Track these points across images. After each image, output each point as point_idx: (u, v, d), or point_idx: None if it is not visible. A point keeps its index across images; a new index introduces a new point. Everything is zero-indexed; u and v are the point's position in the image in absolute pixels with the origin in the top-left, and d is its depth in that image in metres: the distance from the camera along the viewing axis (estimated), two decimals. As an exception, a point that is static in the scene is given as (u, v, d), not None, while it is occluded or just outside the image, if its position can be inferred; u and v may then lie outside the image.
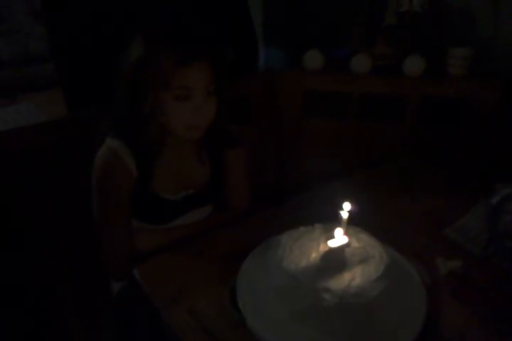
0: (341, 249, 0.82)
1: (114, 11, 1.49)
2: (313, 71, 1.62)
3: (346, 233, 0.84)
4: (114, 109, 1.06)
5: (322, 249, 0.84)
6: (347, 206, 0.83)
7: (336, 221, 0.84)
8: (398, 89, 1.57)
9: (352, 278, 0.79)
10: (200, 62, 0.98)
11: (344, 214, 0.83)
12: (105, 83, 1.09)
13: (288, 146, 1.70)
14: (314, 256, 0.83)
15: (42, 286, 1.36)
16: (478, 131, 1.51)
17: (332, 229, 0.85)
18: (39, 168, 1.28)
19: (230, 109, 1.14)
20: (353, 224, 0.87)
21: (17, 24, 3.32)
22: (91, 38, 1.52)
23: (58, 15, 1.50)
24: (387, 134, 1.60)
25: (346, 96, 1.60)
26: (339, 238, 0.82)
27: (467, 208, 1.13)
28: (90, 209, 1.10)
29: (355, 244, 0.85)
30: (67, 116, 1.47)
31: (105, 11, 1.49)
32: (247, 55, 1.89)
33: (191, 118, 1.02)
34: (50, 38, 1.53)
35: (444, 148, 1.50)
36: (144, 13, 1.48)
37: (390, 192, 1.22)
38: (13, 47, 3.21)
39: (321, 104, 1.70)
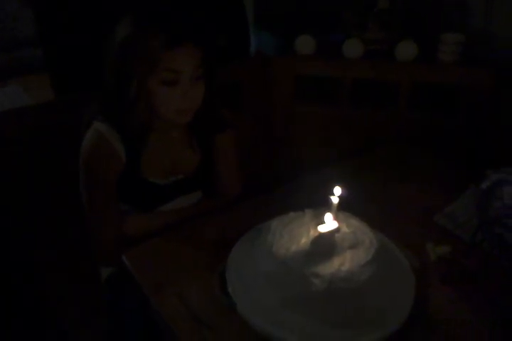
0: (331, 234, 0.81)
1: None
2: (305, 56, 1.61)
3: (336, 218, 0.84)
4: (102, 92, 1.04)
5: (312, 234, 0.83)
6: (337, 191, 0.83)
7: (327, 206, 0.84)
8: (390, 75, 1.55)
9: (341, 263, 0.78)
10: (187, 45, 0.96)
11: (334, 199, 0.82)
12: (93, 66, 1.08)
13: (280, 132, 1.69)
14: (304, 241, 0.83)
15: (31, 274, 1.35)
16: (469, 118, 1.50)
17: (322, 215, 0.84)
18: (26, 151, 1.26)
19: (222, 95, 1.13)
20: (343, 210, 0.87)
21: (3, 8, 3.25)
22: (79, 21, 1.49)
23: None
24: (380, 120, 1.59)
25: (338, 82, 1.59)
26: (329, 223, 0.81)
27: (457, 194, 1.13)
28: (79, 193, 1.09)
29: (345, 229, 0.85)
30: (54, 99, 1.44)
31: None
32: (238, 40, 1.87)
33: (179, 103, 1.00)
34: (38, 21, 1.50)
35: (436, 134, 1.49)
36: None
37: (380, 179, 1.22)
38: (0, 32, 3.15)
39: (313, 90, 1.68)
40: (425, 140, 1.43)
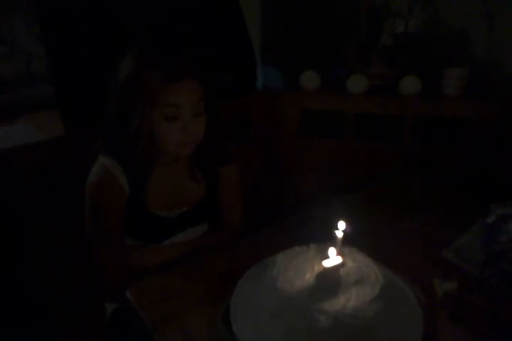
0: (336, 269, 0.81)
1: (111, 32, 1.51)
2: (310, 91, 1.64)
3: (341, 253, 0.83)
4: (105, 126, 1.07)
5: (317, 269, 0.83)
6: (342, 225, 0.83)
7: (331, 241, 0.83)
8: (394, 109, 1.57)
9: (347, 299, 0.77)
10: (187, 80, 0.99)
11: (339, 233, 0.82)
12: (99, 102, 1.11)
13: (285, 165, 1.71)
14: (309, 276, 0.82)
15: (35, 308, 1.34)
16: (473, 150, 1.51)
17: (327, 249, 0.84)
18: (36, 187, 1.27)
19: (228, 128, 1.15)
20: (348, 244, 0.87)
21: (20, 45, 3.36)
22: (88, 59, 1.54)
23: (56, 36, 1.52)
24: (384, 154, 1.60)
25: (343, 116, 1.61)
26: (333, 258, 0.81)
27: (464, 228, 1.12)
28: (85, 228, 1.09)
29: (350, 263, 0.84)
30: (64, 134, 1.47)
31: (101, 33, 1.51)
32: (246, 76, 1.91)
33: (180, 137, 1.02)
34: (49, 58, 1.55)
35: (443, 168, 1.49)
36: (140, 34, 1.50)
37: (386, 212, 1.21)
38: (15, 68, 3.25)
39: (318, 124, 1.71)
40: (430, 173, 1.43)
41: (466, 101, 1.53)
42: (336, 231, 0.82)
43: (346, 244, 0.86)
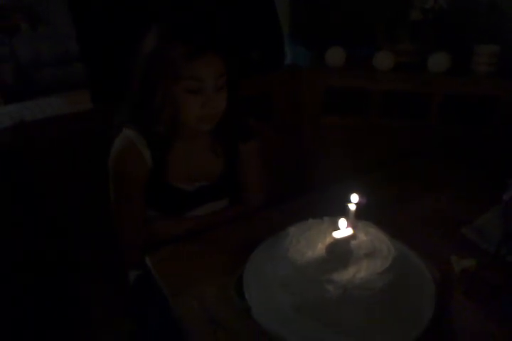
0: (347, 240, 0.81)
1: (135, 8, 1.52)
2: (336, 68, 1.61)
3: (354, 225, 0.84)
4: (129, 99, 1.09)
5: (328, 240, 0.83)
6: (354, 198, 0.83)
7: (345, 214, 0.84)
8: (422, 87, 1.54)
9: (357, 271, 0.78)
10: (209, 55, 0.99)
11: (351, 206, 0.82)
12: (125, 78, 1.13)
13: (308, 143, 1.70)
14: (320, 247, 0.83)
15: (64, 273, 1.40)
16: (502, 129, 1.46)
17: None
18: (64, 155, 1.32)
19: (251, 104, 1.15)
20: (364, 218, 0.87)
21: (57, 26, 3.43)
22: (114, 36, 1.56)
23: (83, 16, 1.55)
24: (410, 132, 1.57)
25: (367, 94, 1.58)
26: (344, 229, 0.81)
27: (488, 207, 1.10)
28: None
29: (362, 236, 0.85)
30: (92, 108, 1.51)
31: (127, 10, 1.52)
32: (274, 53, 1.90)
33: (202, 111, 1.03)
34: (78, 37, 1.58)
35: (468, 147, 1.46)
36: (163, 10, 1.51)
37: (407, 190, 1.20)
38: (54, 48, 3.32)
39: (342, 102, 1.69)
40: (456, 152, 1.40)
41: (496, 79, 1.47)
42: (349, 204, 0.83)
43: (362, 218, 0.87)
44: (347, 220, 0.83)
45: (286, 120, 1.66)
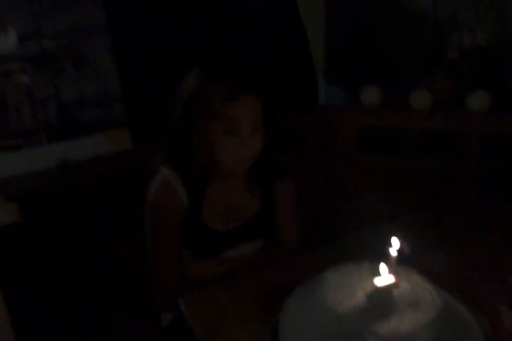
0: (388, 288, 0.77)
1: (176, 52, 1.57)
2: (371, 107, 1.60)
3: (395, 272, 0.79)
4: (168, 140, 1.11)
5: (369, 287, 0.79)
6: (395, 242, 0.79)
7: (385, 259, 0.80)
8: (461, 127, 1.50)
9: (400, 322, 0.73)
10: (247, 97, 1.01)
11: (392, 250, 0.79)
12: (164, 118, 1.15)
13: (344, 184, 1.67)
14: (360, 295, 0.79)
15: (100, 314, 1.39)
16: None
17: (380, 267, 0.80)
18: (101, 195, 1.33)
19: (287, 143, 1.15)
20: (405, 264, 0.83)
21: (101, 68, 3.59)
22: (156, 77, 1.61)
23: (126, 56, 1.61)
24: (448, 174, 1.52)
25: (403, 133, 1.56)
26: (385, 276, 0.77)
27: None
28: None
29: (404, 285, 0.80)
30: (132, 148, 1.55)
31: (168, 52, 1.58)
32: (308, 94, 1.91)
33: (238, 152, 1.03)
34: (120, 77, 1.65)
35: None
36: (204, 53, 1.56)
37: (450, 234, 1.14)
38: (96, 89, 3.47)
39: (378, 142, 1.67)
40: (499, 195, 1.34)
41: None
42: (390, 248, 0.79)
43: (401, 264, 0.83)
44: (388, 266, 0.79)
45: (320, 160, 1.64)
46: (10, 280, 1.28)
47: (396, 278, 0.78)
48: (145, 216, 1.13)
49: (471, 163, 1.50)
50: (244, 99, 1.00)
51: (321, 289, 0.83)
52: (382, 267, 0.77)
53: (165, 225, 1.12)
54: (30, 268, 1.36)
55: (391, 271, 0.78)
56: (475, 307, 0.86)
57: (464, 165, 1.52)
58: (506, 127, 1.47)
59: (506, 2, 1.50)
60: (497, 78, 1.53)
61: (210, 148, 1.04)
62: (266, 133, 1.07)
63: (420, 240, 0.83)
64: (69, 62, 1.89)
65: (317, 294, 0.83)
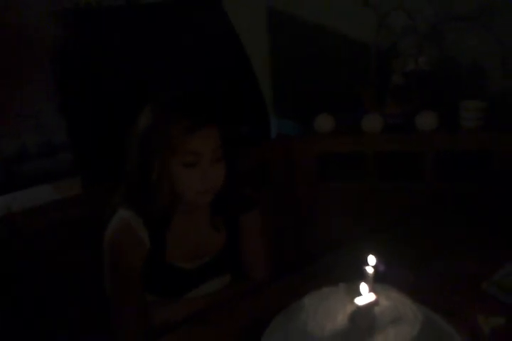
0: (370, 307, 0.75)
1: (127, 87, 1.56)
2: (325, 134, 1.63)
3: (374, 290, 0.77)
4: (125, 179, 1.07)
5: (349, 309, 0.77)
6: (372, 260, 0.78)
7: (362, 279, 0.78)
8: (412, 146, 1.55)
9: (385, 340, 0.71)
10: (206, 129, 1.00)
11: (369, 269, 0.77)
12: (118, 158, 1.12)
13: (306, 211, 1.67)
14: (341, 317, 0.76)
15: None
16: (501, 183, 1.45)
17: (358, 288, 0.78)
18: (53, 244, 1.26)
19: (246, 176, 1.14)
20: (380, 282, 0.81)
21: (42, 117, 3.54)
22: (104, 116, 1.58)
23: (73, 104, 1.58)
24: (407, 191, 1.56)
25: (361, 157, 1.59)
26: (366, 295, 0.75)
27: (502, 262, 1.05)
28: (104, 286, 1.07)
29: (384, 302, 0.78)
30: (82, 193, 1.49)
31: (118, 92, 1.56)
32: (260, 127, 1.94)
33: (200, 184, 1.01)
34: (67, 126, 1.61)
35: (468, 203, 1.44)
36: (156, 89, 1.55)
37: (419, 249, 1.15)
38: (39, 140, 3.40)
39: (336, 168, 1.69)
40: (457, 209, 1.37)
41: (486, 133, 1.50)
42: (367, 267, 0.77)
43: (379, 282, 0.81)
44: (366, 284, 0.77)
45: (282, 189, 1.64)
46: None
47: (376, 296, 0.76)
48: (102, 259, 1.08)
49: (427, 180, 1.54)
50: (203, 131, 1.00)
51: (300, 316, 0.80)
52: (363, 286, 0.75)
53: (125, 267, 1.06)
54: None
55: (370, 289, 0.76)
56: (452, 317, 0.86)
57: (422, 183, 1.55)
58: (455, 143, 1.53)
59: (442, 33, 1.61)
60: (442, 98, 1.61)
61: (170, 182, 1.02)
62: (226, 166, 1.06)
63: (391, 256, 0.82)
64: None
65: (296, 321, 0.79)
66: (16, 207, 1.39)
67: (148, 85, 1.58)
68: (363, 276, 0.77)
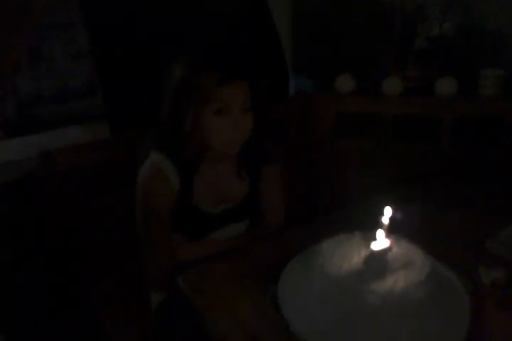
0: (383, 252, 0.83)
1: (156, 41, 1.59)
2: (345, 94, 1.67)
3: (388, 238, 0.85)
4: (159, 125, 1.13)
5: (364, 253, 0.85)
6: (388, 211, 0.85)
7: (377, 228, 0.85)
8: (430, 111, 1.59)
9: (395, 281, 0.79)
10: (236, 81, 1.06)
11: (385, 219, 0.84)
12: (147, 108, 1.18)
13: (321, 168, 1.73)
14: (356, 260, 0.84)
15: (88, 304, 1.39)
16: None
17: (373, 236, 0.86)
18: (83, 185, 1.34)
19: (268, 128, 1.20)
20: (394, 232, 0.89)
21: (58, 64, 3.55)
22: (133, 66, 1.62)
23: (104, 46, 1.61)
24: (421, 155, 1.61)
25: (379, 118, 1.63)
26: (381, 241, 0.83)
27: (510, 221, 1.12)
28: (135, 222, 1.15)
29: (396, 249, 0.86)
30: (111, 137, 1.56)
31: (147, 43, 1.59)
32: (279, 83, 1.97)
33: (229, 133, 1.07)
34: (98, 68, 1.65)
35: (480, 168, 1.50)
36: (185, 42, 1.58)
37: (431, 206, 1.22)
38: (54, 85, 3.42)
39: (354, 126, 1.74)
40: (469, 173, 1.43)
41: (503, 101, 1.53)
42: (383, 217, 0.85)
43: (392, 232, 0.89)
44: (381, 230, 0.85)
45: (300, 144, 1.70)
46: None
47: (391, 242, 0.83)
48: (136, 200, 1.16)
49: (442, 144, 1.59)
50: (234, 83, 1.05)
51: (318, 257, 0.88)
52: (379, 232, 0.83)
53: (156, 208, 1.14)
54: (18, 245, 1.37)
55: (385, 236, 0.84)
56: (457, 268, 0.94)
57: (436, 146, 1.60)
58: (471, 110, 1.57)
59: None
60: (463, 65, 1.63)
61: (202, 132, 1.08)
62: (255, 117, 1.11)
63: (405, 211, 0.89)
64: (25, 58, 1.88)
65: (314, 262, 0.88)
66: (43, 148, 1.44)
67: (177, 39, 1.61)
68: (378, 226, 0.85)
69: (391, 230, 0.86)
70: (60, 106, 2.60)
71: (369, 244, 0.85)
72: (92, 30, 1.56)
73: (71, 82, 2.70)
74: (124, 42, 1.57)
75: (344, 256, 0.86)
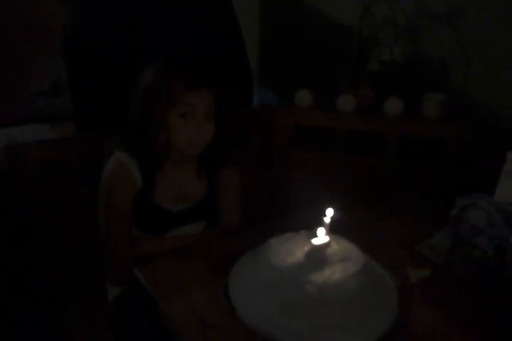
0: (323, 247, 0.93)
1: (125, 44, 1.66)
2: (303, 107, 1.79)
3: (328, 236, 0.96)
4: (125, 125, 1.21)
5: (306, 248, 0.95)
6: (330, 212, 0.96)
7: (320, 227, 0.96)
8: (378, 128, 1.73)
9: (332, 273, 0.90)
10: (203, 88, 1.15)
11: (327, 219, 0.95)
12: (113, 109, 1.25)
13: (278, 176, 1.84)
14: (299, 254, 0.94)
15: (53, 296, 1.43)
16: (451, 166, 1.66)
17: (316, 235, 0.96)
18: (50, 178, 1.38)
19: (231, 136, 1.30)
20: (335, 232, 1.00)
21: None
22: (104, 70, 1.69)
23: (76, 51, 1.67)
24: (370, 166, 1.75)
25: (333, 132, 1.76)
26: (321, 237, 0.94)
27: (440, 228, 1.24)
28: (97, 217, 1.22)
29: (335, 246, 0.97)
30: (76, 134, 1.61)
31: (118, 44, 1.66)
32: (243, 94, 2.08)
33: (192, 136, 1.17)
34: (68, 72, 1.71)
35: (421, 180, 1.64)
36: (154, 48, 1.67)
37: (374, 212, 1.34)
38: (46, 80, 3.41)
39: (310, 139, 1.86)
40: (412, 185, 1.57)
41: (443, 122, 1.69)
42: (324, 218, 0.96)
43: (333, 232, 0.99)
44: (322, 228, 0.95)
45: (260, 152, 1.80)
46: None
47: (330, 239, 0.94)
48: (98, 196, 1.23)
49: (388, 158, 1.74)
50: (201, 89, 1.15)
51: (265, 252, 0.98)
52: (320, 230, 0.93)
53: (119, 205, 1.21)
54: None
55: (325, 234, 0.95)
56: (388, 266, 1.06)
57: (384, 160, 1.74)
58: (415, 129, 1.72)
59: (417, 29, 1.78)
60: (410, 87, 1.79)
61: (167, 133, 1.17)
62: (217, 123, 1.21)
63: (348, 216, 1.00)
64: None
65: (262, 256, 0.97)
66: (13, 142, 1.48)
67: (147, 48, 1.69)
68: (320, 225, 0.96)
69: (333, 230, 0.97)
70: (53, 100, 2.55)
71: (312, 241, 0.96)
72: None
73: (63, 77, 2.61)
74: (93, 47, 1.63)
75: (289, 251, 0.96)
